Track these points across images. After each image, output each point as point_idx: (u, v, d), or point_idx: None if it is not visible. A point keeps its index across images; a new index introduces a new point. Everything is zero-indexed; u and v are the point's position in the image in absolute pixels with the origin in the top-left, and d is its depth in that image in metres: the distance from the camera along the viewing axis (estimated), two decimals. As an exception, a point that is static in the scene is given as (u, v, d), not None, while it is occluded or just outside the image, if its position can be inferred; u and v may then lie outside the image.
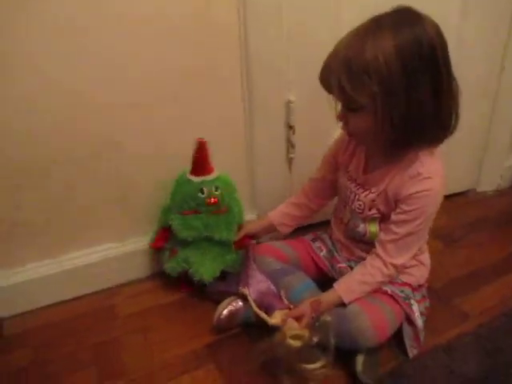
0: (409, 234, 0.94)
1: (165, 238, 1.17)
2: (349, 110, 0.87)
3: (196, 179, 1.11)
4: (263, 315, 0.98)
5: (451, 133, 0.90)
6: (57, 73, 0.98)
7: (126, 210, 1.18)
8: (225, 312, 1.04)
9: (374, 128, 0.85)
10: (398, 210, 0.94)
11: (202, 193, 1.10)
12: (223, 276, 1.14)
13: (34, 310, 1.14)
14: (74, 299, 1.17)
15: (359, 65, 0.79)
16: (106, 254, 1.18)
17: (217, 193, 1.11)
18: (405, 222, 0.93)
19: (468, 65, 1.32)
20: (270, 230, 1.18)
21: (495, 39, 1.42)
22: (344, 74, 0.80)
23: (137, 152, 1.12)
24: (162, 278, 1.23)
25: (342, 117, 0.90)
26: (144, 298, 1.18)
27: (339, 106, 0.90)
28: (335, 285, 0.98)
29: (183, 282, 1.17)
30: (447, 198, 1.54)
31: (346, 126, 0.92)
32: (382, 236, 0.97)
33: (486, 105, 1.53)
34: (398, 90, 0.79)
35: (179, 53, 1.07)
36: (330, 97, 0.88)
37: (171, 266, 1.14)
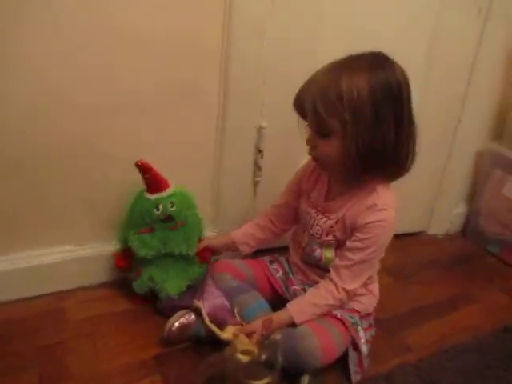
0: (362, 262, 0.98)
1: (127, 258, 1.17)
2: (319, 136, 0.94)
3: (152, 197, 1.11)
4: (215, 329, 0.99)
5: (407, 171, 0.97)
6: (38, 69, 0.99)
7: (91, 214, 1.18)
8: (176, 324, 1.04)
9: (340, 154, 0.91)
10: (353, 238, 0.99)
11: (158, 209, 1.11)
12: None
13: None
14: (24, 299, 1.14)
15: (334, 93, 0.86)
16: (64, 256, 1.17)
17: (172, 209, 1.12)
18: (359, 249, 0.98)
19: (428, 115, 1.41)
20: (231, 248, 1.20)
21: (454, 91, 1.53)
22: (319, 99, 0.88)
23: (106, 155, 1.13)
24: (117, 286, 1.22)
25: (311, 141, 0.96)
26: (97, 304, 1.17)
27: (309, 133, 0.96)
28: (288, 305, 1.02)
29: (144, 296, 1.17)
30: (399, 237, 1.63)
31: (313, 150, 0.97)
32: (337, 261, 1.01)
33: (442, 154, 1.63)
34: (366, 122, 0.87)
35: (164, 69, 1.11)
36: (301, 122, 0.95)
37: (138, 285, 1.14)
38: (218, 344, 0.97)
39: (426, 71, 1.43)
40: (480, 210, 1.71)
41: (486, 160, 1.68)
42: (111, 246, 1.21)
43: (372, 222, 0.96)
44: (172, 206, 1.12)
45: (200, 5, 1.09)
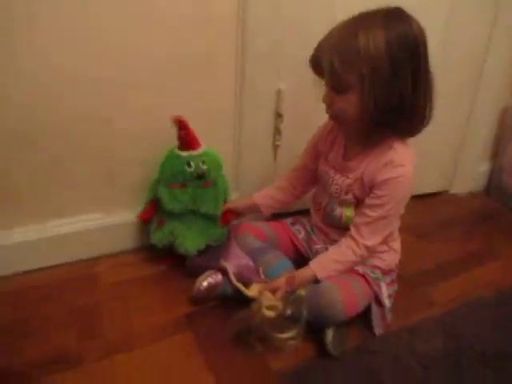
0: (381, 218, 1.00)
1: (153, 211, 1.20)
2: (335, 92, 0.94)
3: (183, 154, 1.14)
4: (241, 287, 1.03)
5: (424, 126, 0.97)
6: (51, 47, 1.01)
7: (113, 184, 1.21)
8: (204, 283, 1.08)
9: (357, 110, 0.92)
10: (371, 195, 1.00)
11: (189, 166, 1.14)
12: (206, 250, 1.17)
13: (17, 273, 1.16)
14: (56, 266, 1.20)
15: (351, 47, 0.86)
16: (91, 224, 1.21)
17: (203, 167, 1.15)
18: (378, 206, 0.99)
19: (449, 67, 1.39)
20: (253, 210, 1.23)
21: (476, 42, 1.49)
22: (336, 54, 0.88)
23: (125, 128, 1.15)
24: (144, 251, 1.27)
25: (328, 98, 0.96)
26: (126, 269, 1.22)
27: (325, 91, 0.96)
28: (310, 262, 1.04)
29: (166, 255, 1.21)
30: (421, 197, 1.63)
31: (330, 108, 0.98)
32: (357, 219, 1.03)
33: (464, 110, 1.61)
34: (383, 76, 0.87)
35: (178, 37, 1.11)
36: (317, 81, 0.95)
37: (158, 237, 1.17)
38: (244, 302, 1.01)
39: (449, 15, 1.39)
40: (503, 166, 1.70)
41: (510, 116, 1.65)
42: (136, 213, 1.24)
43: (390, 178, 0.96)
44: (203, 164, 1.15)
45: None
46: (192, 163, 1.14)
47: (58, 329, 1.02)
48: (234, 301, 1.07)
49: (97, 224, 1.22)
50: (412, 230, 1.44)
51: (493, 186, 1.75)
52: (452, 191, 1.74)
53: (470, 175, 1.73)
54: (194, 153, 1.15)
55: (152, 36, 1.09)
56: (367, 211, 1.00)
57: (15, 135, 1.06)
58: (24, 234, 1.15)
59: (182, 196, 1.15)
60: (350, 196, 1.04)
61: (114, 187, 1.22)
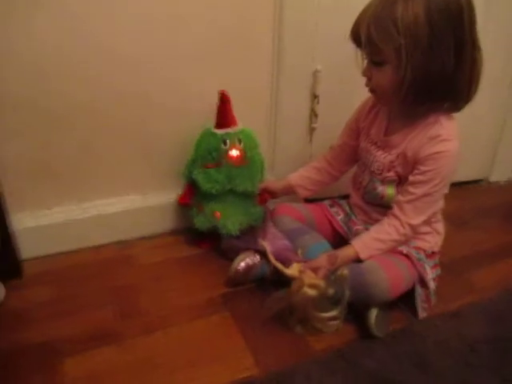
0: (425, 195, 0.96)
1: (191, 194, 1.19)
2: (374, 65, 0.92)
3: (219, 131, 1.13)
4: (281, 266, 1.00)
5: (469, 100, 0.94)
6: (87, 26, 1.02)
7: (150, 164, 1.21)
8: (242, 264, 1.07)
9: (395, 82, 0.89)
10: (415, 172, 0.97)
11: (225, 144, 1.13)
12: (242, 231, 1.15)
13: (56, 253, 1.17)
14: (95, 246, 1.21)
15: (389, 17, 0.84)
16: (129, 205, 1.21)
17: (240, 145, 1.14)
18: (422, 182, 0.96)
19: (488, 53, 1.34)
20: (289, 192, 1.21)
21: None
22: (373, 24, 0.86)
23: (162, 105, 1.15)
24: (181, 233, 1.27)
25: (367, 71, 0.94)
26: (163, 250, 1.22)
27: (365, 62, 0.95)
28: (352, 241, 1.01)
29: (204, 238, 1.20)
30: (459, 185, 1.60)
31: (369, 81, 0.96)
32: (400, 197, 0.99)
33: (503, 96, 1.56)
34: (421, 46, 0.84)
35: (215, 14, 1.11)
36: (358, 53, 0.93)
37: (200, 222, 1.17)
38: (282, 283, 0.98)
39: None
40: (545, 154, 1.64)
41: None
42: (173, 194, 1.24)
43: (436, 152, 0.93)
44: (239, 142, 1.14)
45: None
46: (228, 141, 1.12)
47: (98, 307, 1.01)
48: (272, 282, 1.05)
49: (134, 206, 1.22)
50: (451, 218, 1.38)
51: (533, 173, 1.69)
52: (491, 179, 1.69)
53: (509, 162, 1.68)
54: (230, 131, 1.13)
55: (190, 11, 1.09)
56: (411, 188, 0.97)
57: (52, 116, 1.07)
58: (62, 214, 1.15)
59: (217, 175, 1.13)
60: (392, 173, 1.01)
61: (151, 167, 1.22)
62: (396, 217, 0.99)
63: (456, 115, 0.97)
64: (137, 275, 1.12)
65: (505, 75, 1.52)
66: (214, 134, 1.13)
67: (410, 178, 0.97)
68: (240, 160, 1.14)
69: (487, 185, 1.70)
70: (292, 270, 0.99)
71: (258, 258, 1.08)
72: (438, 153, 0.93)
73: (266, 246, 1.05)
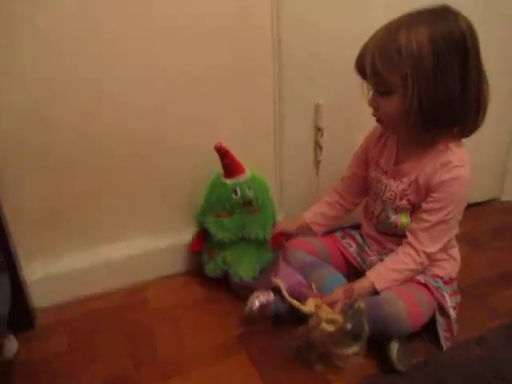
0: (440, 222, 0.95)
1: (202, 241, 1.19)
2: (380, 95, 0.92)
3: (229, 181, 1.13)
4: (296, 303, 0.98)
5: (477, 126, 0.94)
6: (89, 73, 1.03)
7: (162, 204, 1.21)
8: (256, 303, 1.04)
9: (402, 111, 0.89)
10: (429, 199, 0.96)
11: (236, 194, 1.12)
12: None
13: (69, 301, 1.16)
14: (108, 292, 1.19)
15: (393, 46, 0.85)
16: (140, 247, 1.20)
17: (250, 193, 1.13)
18: (436, 210, 0.95)
19: (496, 74, 1.35)
20: (304, 230, 1.20)
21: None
22: (378, 54, 0.86)
23: (175, 148, 1.16)
24: (194, 274, 1.26)
25: (373, 101, 0.95)
26: (176, 292, 1.20)
27: (371, 93, 0.95)
28: (367, 273, 1.00)
29: (217, 279, 1.18)
30: (472, 205, 1.56)
31: (376, 111, 0.96)
32: (414, 225, 0.98)
33: (510, 116, 1.56)
34: (427, 74, 0.84)
35: (216, 52, 1.12)
36: (363, 84, 0.94)
37: (211, 268, 1.16)
38: (299, 320, 0.96)
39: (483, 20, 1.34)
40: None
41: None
42: (186, 236, 1.23)
43: (448, 179, 0.92)
44: (249, 190, 1.13)
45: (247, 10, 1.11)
46: (238, 190, 1.12)
47: (114, 355, 1.00)
48: (287, 321, 1.03)
49: (146, 249, 1.21)
50: (466, 240, 1.38)
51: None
52: (503, 199, 1.67)
53: (520, 182, 1.66)
54: (240, 179, 1.13)
55: (192, 55, 1.10)
56: (425, 216, 0.96)
57: (62, 164, 1.08)
58: (74, 261, 1.15)
59: (229, 224, 1.13)
60: (404, 201, 1.00)
61: (163, 208, 1.22)
62: (411, 245, 0.97)
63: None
64: (151, 319, 1.10)
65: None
66: (224, 184, 1.13)
67: (424, 205, 0.96)
68: (251, 208, 1.14)
69: (499, 204, 1.68)
70: (308, 306, 0.97)
71: (272, 295, 1.05)
72: (450, 179, 0.92)
73: (280, 283, 1.03)
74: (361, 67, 0.92)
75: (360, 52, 0.92)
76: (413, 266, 0.97)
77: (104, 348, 1.01)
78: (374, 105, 0.95)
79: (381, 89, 0.91)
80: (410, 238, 0.98)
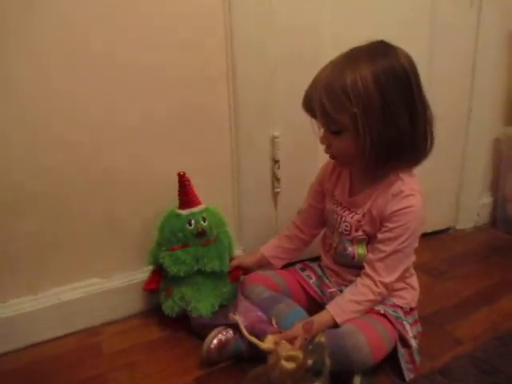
0: (395, 252, 0.95)
1: (157, 280, 1.15)
2: (331, 133, 0.93)
3: (184, 212, 1.12)
4: (255, 340, 0.96)
5: (426, 155, 0.96)
6: (38, 113, 1.02)
7: (112, 245, 1.17)
8: (214, 341, 1.00)
9: (355, 149, 0.91)
10: (383, 229, 0.96)
11: (190, 225, 1.10)
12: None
13: (17, 349, 1.09)
14: (58, 337, 1.13)
15: (339, 87, 0.86)
16: (91, 290, 1.15)
17: (204, 224, 1.12)
18: (390, 239, 0.95)
19: (438, 109, 1.41)
20: (263, 264, 1.18)
21: (460, 81, 1.53)
22: (325, 96, 0.88)
23: (127, 185, 1.14)
24: (149, 314, 1.21)
25: (325, 140, 0.96)
26: (131, 334, 1.14)
27: (322, 131, 0.96)
28: (327, 306, 0.98)
29: (173, 319, 1.13)
30: (429, 235, 1.61)
31: (328, 148, 0.97)
32: (370, 256, 0.98)
33: (458, 147, 1.61)
34: (376, 112, 0.86)
35: (174, 94, 1.14)
36: (313, 122, 0.95)
37: (168, 306, 1.11)
38: (259, 358, 0.93)
39: (429, 66, 1.40)
40: (506, 197, 1.68)
41: (504, 146, 1.66)
42: (140, 275, 1.19)
43: (400, 209, 0.94)
44: (204, 221, 1.12)
45: (202, 44, 1.14)
46: (193, 221, 1.10)
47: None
48: (248, 359, 1.00)
49: (97, 290, 1.16)
50: (424, 269, 1.40)
51: (498, 217, 1.72)
52: (458, 227, 1.71)
53: (473, 209, 1.70)
54: (195, 210, 1.12)
55: (151, 92, 1.11)
56: (380, 246, 0.96)
57: (9, 204, 1.03)
58: (20, 306, 1.08)
59: (183, 256, 1.10)
60: (360, 232, 1.00)
61: (114, 248, 1.17)
62: (369, 276, 0.97)
63: (416, 167, 0.99)
64: (105, 364, 1.04)
65: (458, 132, 1.59)
66: (179, 215, 1.11)
67: (379, 235, 0.97)
68: (206, 239, 1.12)
69: (455, 232, 1.71)
70: (267, 343, 0.94)
71: (231, 332, 1.02)
72: (402, 209, 0.94)
73: (238, 319, 1.00)
74: (309, 107, 0.93)
75: (306, 92, 0.93)
76: (371, 296, 0.96)
77: (52, 399, 0.95)
78: (326, 143, 0.96)
79: (332, 128, 0.92)
80: (368, 269, 0.97)
